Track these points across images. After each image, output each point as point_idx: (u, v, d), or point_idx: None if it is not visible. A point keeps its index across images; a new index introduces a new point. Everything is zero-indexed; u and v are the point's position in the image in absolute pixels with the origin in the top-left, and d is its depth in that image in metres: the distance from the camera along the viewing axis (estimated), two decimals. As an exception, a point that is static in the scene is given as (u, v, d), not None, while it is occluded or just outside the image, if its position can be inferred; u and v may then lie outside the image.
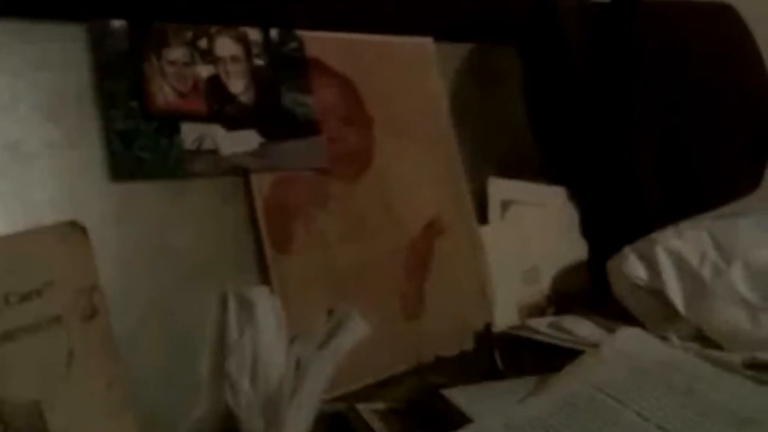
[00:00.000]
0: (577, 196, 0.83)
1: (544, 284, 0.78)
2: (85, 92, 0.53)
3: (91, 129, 0.52)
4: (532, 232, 0.78)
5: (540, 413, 0.50)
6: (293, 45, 0.64)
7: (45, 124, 0.51)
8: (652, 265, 0.71)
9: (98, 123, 0.53)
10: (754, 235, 0.71)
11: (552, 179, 0.82)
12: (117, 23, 0.55)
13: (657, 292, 0.71)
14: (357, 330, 0.57)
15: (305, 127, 0.63)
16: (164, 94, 0.55)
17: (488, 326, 0.71)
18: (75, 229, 0.47)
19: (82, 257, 0.47)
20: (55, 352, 0.46)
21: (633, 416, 0.49)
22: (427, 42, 0.75)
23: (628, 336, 0.62)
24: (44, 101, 0.51)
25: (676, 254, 0.71)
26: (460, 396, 0.53)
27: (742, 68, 0.85)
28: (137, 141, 0.53)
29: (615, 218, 0.80)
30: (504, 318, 0.73)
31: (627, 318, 0.73)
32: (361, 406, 0.57)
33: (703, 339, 0.69)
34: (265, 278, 0.58)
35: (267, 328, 0.55)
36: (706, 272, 0.69)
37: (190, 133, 0.56)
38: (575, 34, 0.84)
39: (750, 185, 0.86)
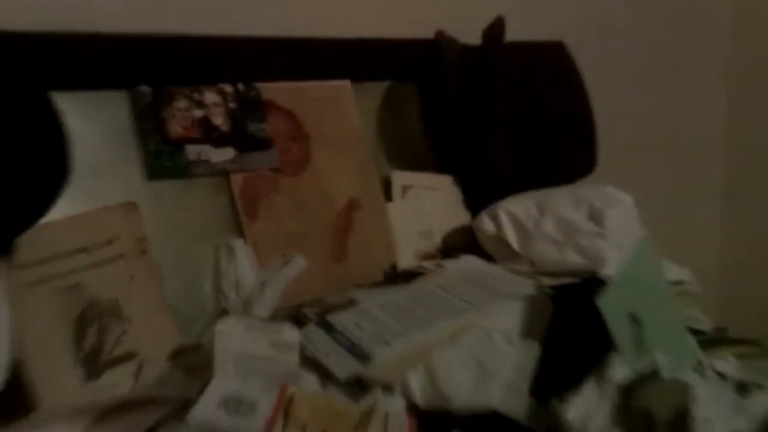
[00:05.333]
0: (459, 182, 1.20)
1: (436, 240, 1.15)
2: (129, 131, 0.90)
3: (134, 152, 0.90)
4: (426, 207, 1.15)
5: (401, 299, 0.87)
6: (253, 93, 1.01)
7: (108, 151, 0.88)
8: (497, 222, 1.08)
9: (138, 148, 0.90)
10: (564, 199, 1.08)
11: (441, 171, 1.20)
12: (144, 88, 0.92)
13: (502, 239, 1.08)
14: (299, 264, 0.95)
15: (263, 144, 1.00)
16: (175, 129, 0.93)
17: (394, 266, 1.08)
18: (131, 205, 0.85)
19: (135, 221, 0.85)
20: (123, 274, 0.84)
21: (449, 296, 0.86)
22: (346, 83, 1.13)
23: (465, 259, 1.00)
24: (106, 138, 0.88)
25: (512, 214, 1.08)
26: (360, 293, 0.91)
27: (569, 87, 1.22)
28: (161, 156, 0.91)
29: (484, 195, 1.17)
30: (405, 262, 1.10)
31: (488, 258, 1.10)
32: (306, 309, 0.94)
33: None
34: (242, 236, 0.96)
35: (243, 263, 0.92)
36: (530, 224, 1.06)
37: (192, 151, 0.94)
38: (454, 71, 1.21)
39: (584, 172, 1.23)
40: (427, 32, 1.21)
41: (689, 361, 0.84)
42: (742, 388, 0.91)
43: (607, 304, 0.75)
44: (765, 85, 1.99)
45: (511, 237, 1.06)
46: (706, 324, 1.06)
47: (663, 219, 1.51)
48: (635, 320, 0.78)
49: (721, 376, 0.91)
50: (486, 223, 1.08)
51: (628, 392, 0.75)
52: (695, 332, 0.99)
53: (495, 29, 1.22)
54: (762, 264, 2.02)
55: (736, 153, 2.06)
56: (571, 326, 0.79)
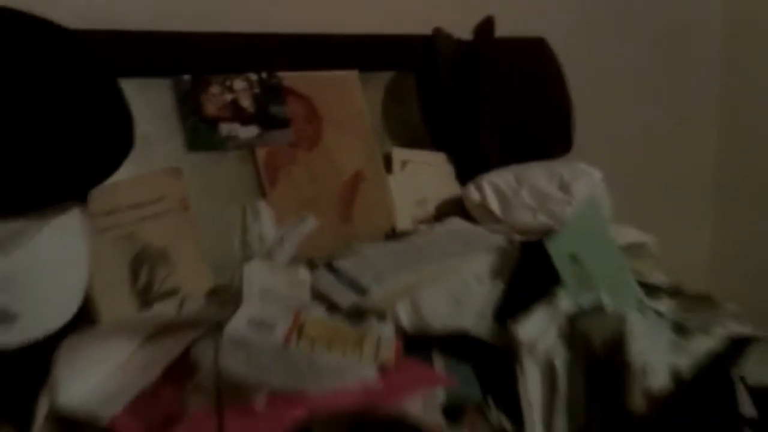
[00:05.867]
0: (450, 158, 1.39)
1: (430, 208, 1.33)
2: (172, 112, 1.10)
3: (177, 128, 1.10)
4: (422, 179, 1.33)
5: (395, 248, 1.07)
6: (275, 80, 1.21)
7: (157, 126, 1.08)
8: (482, 192, 1.27)
9: (180, 125, 1.10)
10: (539, 172, 1.27)
11: (435, 149, 1.38)
12: (185, 77, 1.12)
13: (486, 207, 1.27)
14: (311, 223, 1.14)
15: (282, 123, 1.20)
16: (211, 110, 1.13)
17: (393, 229, 1.27)
18: (176, 171, 1.05)
19: (179, 184, 1.05)
20: (169, 226, 1.04)
21: (434, 248, 1.05)
22: (354, 73, 1.31)
23: (451, 221, 1.19)
24: (155, 117, 1.08)
25: (494, 184, 1.26)
26: (362, 248, 1.10)
27: (549, 79, 1.41)
28: (199, 132, 1.10)
29: (472, 170, 1.36)
30: (403, 226, 1.28)
31: (475, 223, 1.29)
32: (316, 260, 1.13)
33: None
34: (264, 199, 1.15)
35: (265, 222, 1.11)
36: (510, 193, 1.25)
37: (224, 128, 1.13)
38: (448, 63, 1.40)
39: (560, 153, 1.41)
40: (426, 29, 1.40)
41: (631, 301, 1.02)
42: (685, 331, 1.09)
43: (554, 246, 0.93)
44: (756, 78, 2.14)
45: (494, 204, 1.25)
46: (663, 281, 1.24)
47: (655, 212, 1.69)
48: (579, 261, 0.96)
49: (664, 318, 1.09)
50: (472, 193, 1.27)
51: (573, 320, 0.94)
52: (650, 286, 1.16)
53: (485, 27, 1.40)
54: (751, 257, 2.16)
55: (727, 148, 2.20)
56: (530, 268, 0.98)
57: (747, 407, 1.10)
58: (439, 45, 1.40)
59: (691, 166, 2.11)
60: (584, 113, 1.51)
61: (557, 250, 0.94)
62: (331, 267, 1.03)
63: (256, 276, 0.96)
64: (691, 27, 2.01)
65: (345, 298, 0.95)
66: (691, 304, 1.19)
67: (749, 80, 2.13)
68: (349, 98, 1.29)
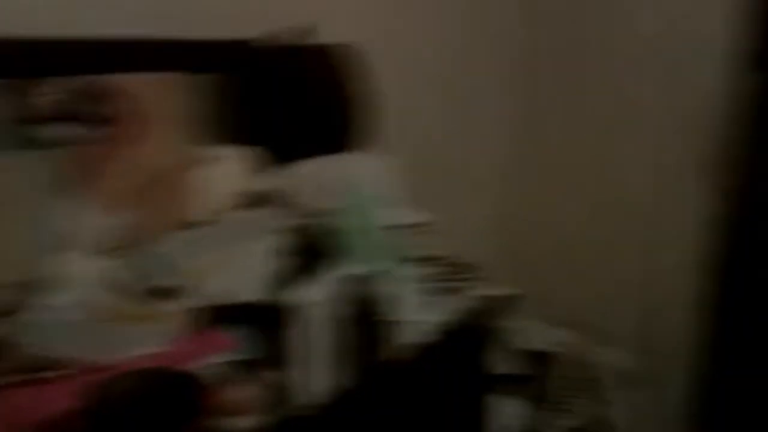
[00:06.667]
0: (264, 154, 1.56)
1: (242, 197, 1.50)
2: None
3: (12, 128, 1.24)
4: (236, 172, 1.51)
5: (196, 235, 1.26)
6: (102, 82, 1.35)
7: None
8: (289, 181, 1.47)
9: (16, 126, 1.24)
10: (335, 163, 1.49)
11: (251, 145, 1.56)
12: (4, 80, 1.26)
13: (290, 194, 1.47)
14: (128, 216, 1.30)
15: (108, 121, 1.35)
16: (35, 112, 1.27)
17: (206, 217, 1.46)
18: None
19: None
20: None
21: (237, 232, 1.26)
22: (179, 75, 1.47)
23: (253, 210, 1.40)
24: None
25: (298, 175, 1.47)
26: (177, 235, 1.29)
27: (355, 81, 1.62)
28: (26, 132, 1.25)
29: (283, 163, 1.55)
30: (216, 215, 1.46)
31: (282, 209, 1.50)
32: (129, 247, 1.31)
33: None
34: (88, 191, 1.31)
35: (89, 212, 1.27)
36: (310, 182, 1.46)
37: (51, 128, 1.28)
38: (266, 66, 1.58)
39: (361, 144, 1.64)
40: (249, 33, 1.58)
41: (395, 269, 1.27)
42: (444, 293, 1.36)
43: (336, 223, 1.18)
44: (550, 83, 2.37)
45: (298, 192, 1.46)
46: (439, 253, 1.50)
47: (447, 196, 1.95)
48: (355, 235, 1.21)
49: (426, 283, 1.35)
50: (279, 183, 1.48)
51: (346, 285, 1.17)
52: (424, 257, 1.42)
53: (300, 34, 1.61)
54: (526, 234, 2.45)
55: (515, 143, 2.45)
56: (313, 244, 1.21)
57: (493, 360, 1.39)
58: (261, 49, 1.58)
59: (482, 158, 2.37)
60: (394, 111, 1.74)
61: (337, 227, 1.18)
62: (141, 253, 1.22)
63: (68, 265, 1.14)
64: (492, 42, 2.28)
65: (151, 279, 1.15)
66: (457, 272, 1.46)
67: (543, 85, 2.38)
68: (171, 99, 1.45)
